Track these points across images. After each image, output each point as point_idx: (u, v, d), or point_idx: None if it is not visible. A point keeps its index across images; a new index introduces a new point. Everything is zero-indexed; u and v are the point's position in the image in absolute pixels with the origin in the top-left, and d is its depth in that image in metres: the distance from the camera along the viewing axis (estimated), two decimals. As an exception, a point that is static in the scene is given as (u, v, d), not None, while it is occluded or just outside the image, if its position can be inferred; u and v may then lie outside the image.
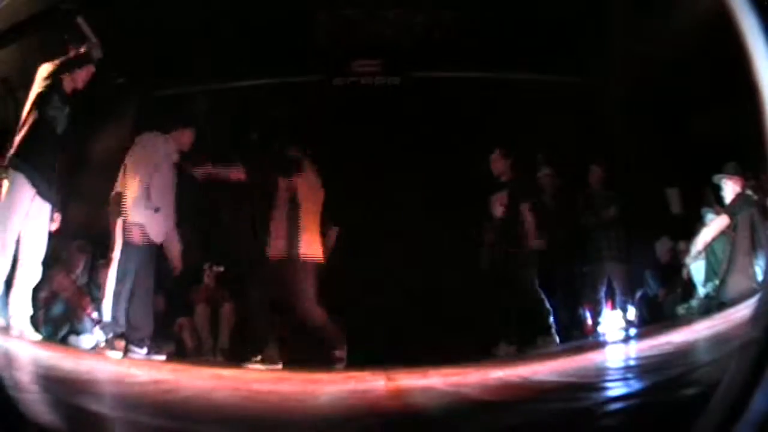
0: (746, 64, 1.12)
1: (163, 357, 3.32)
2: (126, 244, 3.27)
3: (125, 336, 3.24)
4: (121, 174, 3.41)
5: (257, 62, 4.09)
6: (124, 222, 3.29)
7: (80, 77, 3.25)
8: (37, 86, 3.11)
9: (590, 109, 4.14)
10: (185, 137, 3.60)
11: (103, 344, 3.21)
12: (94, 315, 3.47)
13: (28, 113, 3.07)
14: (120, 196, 3.35)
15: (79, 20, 3.88)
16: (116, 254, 3.28)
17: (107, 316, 3.22)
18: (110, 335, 3.20)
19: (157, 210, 3.37)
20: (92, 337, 3.39)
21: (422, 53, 4.22)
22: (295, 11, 3.88)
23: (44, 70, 3.11)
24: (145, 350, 3.24)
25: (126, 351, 3.16)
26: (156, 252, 3.41)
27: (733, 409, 0.99)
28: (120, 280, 3.24)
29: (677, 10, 3.59)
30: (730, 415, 0.99)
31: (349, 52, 4.23)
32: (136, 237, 3.28)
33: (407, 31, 4.19)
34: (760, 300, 1.13)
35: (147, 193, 3.34)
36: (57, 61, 3.13)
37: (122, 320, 3.22)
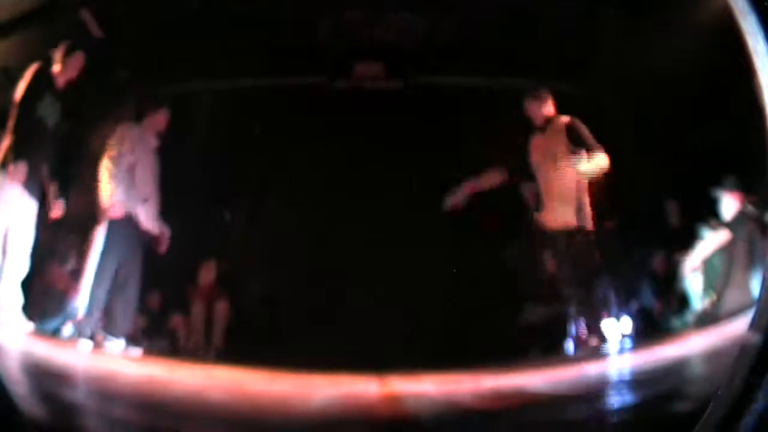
0: (749, 75, 1.12)
1: (139, 351, 3.26)
2: (109, 238, 3.24)
3: (102, 328, 3.20)
4: (103, 169, 3.37)
5: (257, 62, 4.09)
6: (109, 215, 3.26)
7: (73, 66, 3.23)
8: (27, 83, 3.11)
9: (590, 119, 4.15)
10: (160, 119, 3.53)
11: (81, 338, 3.17)
12: (74, 310, 3.44)
13: (18, 111, 3.07)
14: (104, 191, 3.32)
15: (83, 12, 3.90)
16: (96, 249, 3.24)
17: (87, 312, 3.16)
18: (88, 331, 3.16)
19: (145, 201, 3.34)
20: (74, 331, 3.36)
21: (426, 58, 4.21)
22: (298, 12, 3.88)
23: (34, 67, 3.11)
24: (121, 344, 3.18)
25: (101, 343, 3.11)
26: (144, 246, 3.37)
27: (733, 410, 1.00)
28: (100, 275, 3.19)
29: (678, 20, 3.60)
30: (731, 417, 0.99)
31: (351, 54, 4.23)
32: (122, 230, 3.26)
33: (411, 35, 4.19)
34: (758, 302, 1.14)
35: (133, 184, 3.32)
36: (47, 57, 3.16)
37: (100, 315, 3.17)
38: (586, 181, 3.32)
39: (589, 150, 3.27)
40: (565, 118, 3.53)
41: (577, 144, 3.28)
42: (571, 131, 3.36)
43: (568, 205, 3.32)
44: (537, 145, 3.52)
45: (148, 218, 3.57)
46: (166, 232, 3.53)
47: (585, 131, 3.40)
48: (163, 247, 3.50)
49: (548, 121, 3.57)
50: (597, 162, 3.25)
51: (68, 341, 3.27)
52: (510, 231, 3.49)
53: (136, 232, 3.44)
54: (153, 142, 3.72)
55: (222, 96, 4.38)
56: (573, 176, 3.29)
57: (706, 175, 3.74)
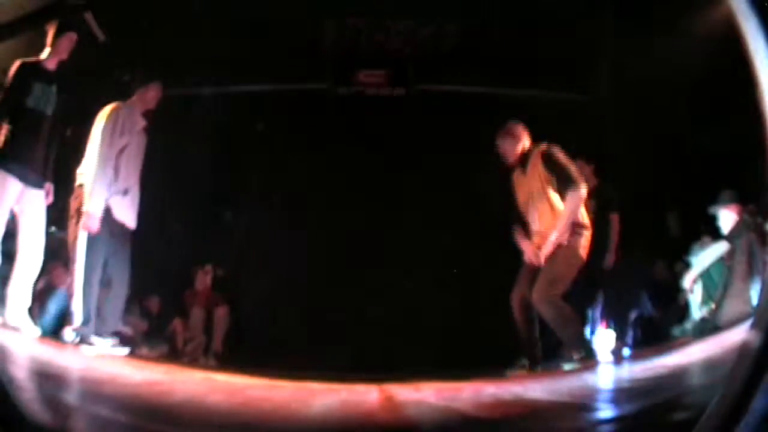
0: (750, 81, 1.12)
1: (125, 351, 3.12)
2: (90, 235, 3.03)
3: (98, 331, 3.07)
4: (85, 159, 3.20)
5: (263, 68, 4.08)
6: (87, 211, 3.03)
7: (63, 46, 3.17)
8: (13, 79, 3.06)
9: (592, 128, 4.13)
10: (150, 93, 3.34)
11: (78, 340, 3.03)
12: (71, 311, 3.16)
13: (9, 107, 3.03)
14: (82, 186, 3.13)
15: (87, 15, 3.89)
16: (79, 248, 3.04)
17: (80, 316, 3.02)
18: (84, 335, 3.02)
19: (125, 192, 3.17)
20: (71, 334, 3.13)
21: (428, 65, 4.21)
22: (302, 19, 3.88)
23: (18, 62, 3.07)
24: (109, 342, 3.06)
25: (90, 342, 3.00)
26: (130, 239, 3.20)
27: (733, 411, 1.00)
28: (87, 276, 3.03)
29: (680, 30, 3.59)
30: (731, 417, 0.99)
31: (354, 61, 4.22)
32: (102, 225, 3.05)
33: (414, 43, 4.18)
34: (758, 304, 1.14)
35: (113, 174, 3.12)
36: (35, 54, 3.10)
37: (93, 317, 3.04)
38: (577, 200, 3.15)
39: (568, 173, 3.12)
40: (540, 148, 3.35)
41: (555, 171, 3.14)
42: (547, 159, 3.20)
43: (560, 223, 3.13)
44: (519, 183, 3.37)
45: (127, 210, 3.19)
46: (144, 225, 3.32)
47: (561, 156, 3.24)
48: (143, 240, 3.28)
49: (525, 155, 3.41)
50: (578, 184, 3.11)
51: (68, 344, 3.25)
52: (509, 242, 3.43)
53: (116, 227, 3.11)
54: (141, 122, 3.33)
55: (224, 101, 4.38)
56: (560, 202, 3.14)
57: (706, 185, 3.73)
